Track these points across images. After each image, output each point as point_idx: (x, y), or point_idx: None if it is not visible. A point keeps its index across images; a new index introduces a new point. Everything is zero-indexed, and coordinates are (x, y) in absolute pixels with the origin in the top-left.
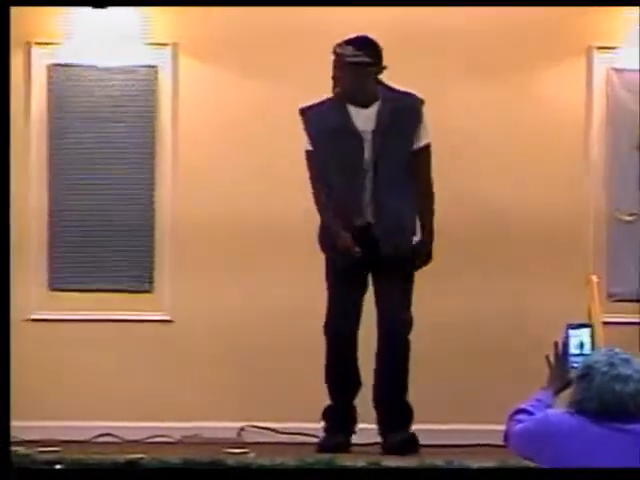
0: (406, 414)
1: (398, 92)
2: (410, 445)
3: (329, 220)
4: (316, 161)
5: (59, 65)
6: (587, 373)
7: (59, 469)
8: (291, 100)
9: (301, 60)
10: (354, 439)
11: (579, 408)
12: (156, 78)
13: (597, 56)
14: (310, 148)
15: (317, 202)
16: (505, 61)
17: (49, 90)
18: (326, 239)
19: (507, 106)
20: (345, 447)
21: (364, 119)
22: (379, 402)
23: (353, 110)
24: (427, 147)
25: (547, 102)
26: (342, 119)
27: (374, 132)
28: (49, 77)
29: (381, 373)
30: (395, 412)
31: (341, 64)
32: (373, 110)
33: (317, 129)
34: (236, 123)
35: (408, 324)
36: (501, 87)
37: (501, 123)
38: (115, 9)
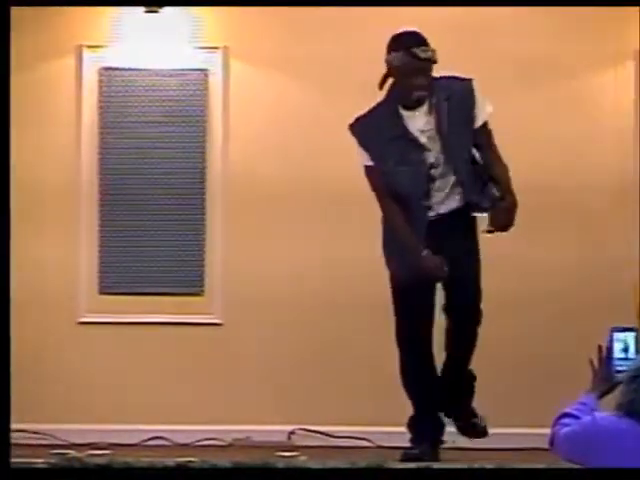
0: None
1: (443, 80)
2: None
3: (408, 239)
4: (379, 175)
5: (110, 69)
6: (636, 375)
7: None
8: (342, 102)
9: (352, 62)
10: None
11: (629, 410)
12: (207, 81)
13: None
14: (370, 163)
15: (390, 220)
16: (553, 65)
17: (100, 93)
18: (396, 258)
19: (556, 110)
20: (433, 456)
21: (418, 120)
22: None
23: (405, 113)
24: (484, 125)
25: (595, 107)
26: (398, 126)
27: (435, 131)
28: (100, 81)
29: (454, 367)
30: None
31: (420, 66)
32: (424, 109)
33: (375, 141)
34: (286, 125)
35: (480, 315)
36: (549, 91)
37: (550, 127)
38: (166, 12)
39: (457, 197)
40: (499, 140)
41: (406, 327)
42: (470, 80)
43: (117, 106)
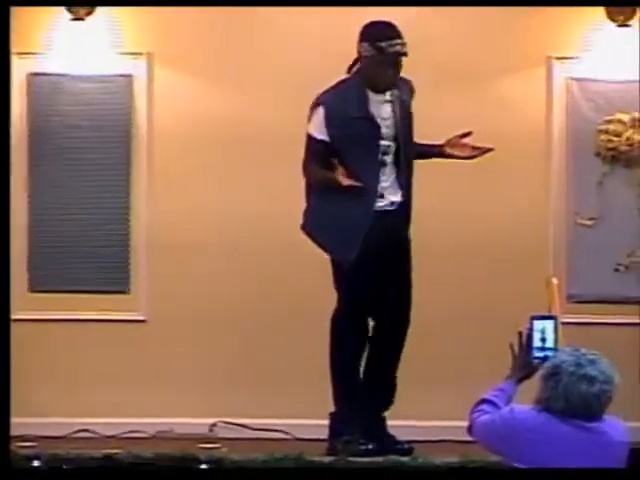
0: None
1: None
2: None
3: (322, 175)
4: (320, 148)
5: (38, 74)
6: (555, 372)
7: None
8: (262, 107)
9: (273, 68)
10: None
11: (545, 406)
12: (131, 86)
13: (557, 66)
14: (317, 135)
15: (320, 179)
16: (469, 70)
17: (29, 98)
18: (328, 235)
19: (471, 114)
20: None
21: (382, 107)
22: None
23: (372, 97)
24: None
25: (509, 111)
26: (363, 108)
27: (392, 121)
28: (29, 86)
29: (383, 373)
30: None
31: (386, 59)
32: (388, 96)
33: (339, 119)
34: (208, 127)
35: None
36: (465, 96)
37: (465, 128)
38: (91, 20)
39: (398, 191)
40: (421, 138)
41: (351, 308)
42: (411, 81)
43: (45, 110)
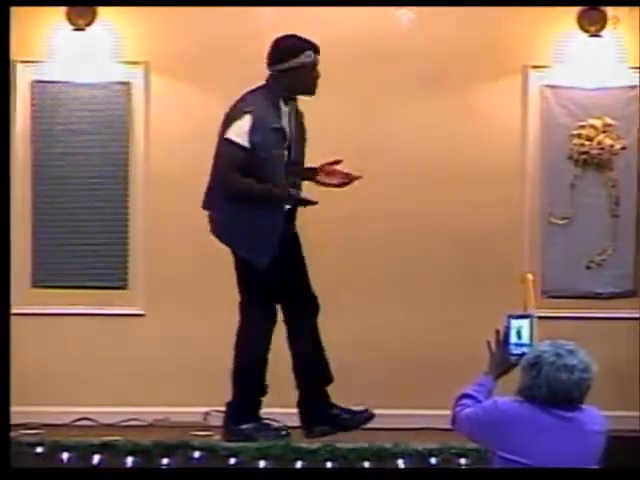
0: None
1: None
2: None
3: (254, 188)
4: (238, 154)
5: (42, 82)
6: (536, 362)
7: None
8: None
9: (265, 74)
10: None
11: (527, 395)
12: (129, 93)
13: (532, 74)
14: (237, 140)
15: (247, 190)
16: (450, 80)
17: (32, 104)
18: (245, 239)
19: (450, 122)
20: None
21: (286, 116)
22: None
23: (284, 108)
24: None
25: (487, 117)
26: (279, 118)
27: (288, 128)
28: (32, 92)
29: (321, 357)
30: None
31: (315, 68)
32: (288, 108)
33: (261, 128)
34: (201, 130)
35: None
36: (444, 104)
37: (445, 137)
38: (92, 30)
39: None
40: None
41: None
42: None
43: (48, 116)
